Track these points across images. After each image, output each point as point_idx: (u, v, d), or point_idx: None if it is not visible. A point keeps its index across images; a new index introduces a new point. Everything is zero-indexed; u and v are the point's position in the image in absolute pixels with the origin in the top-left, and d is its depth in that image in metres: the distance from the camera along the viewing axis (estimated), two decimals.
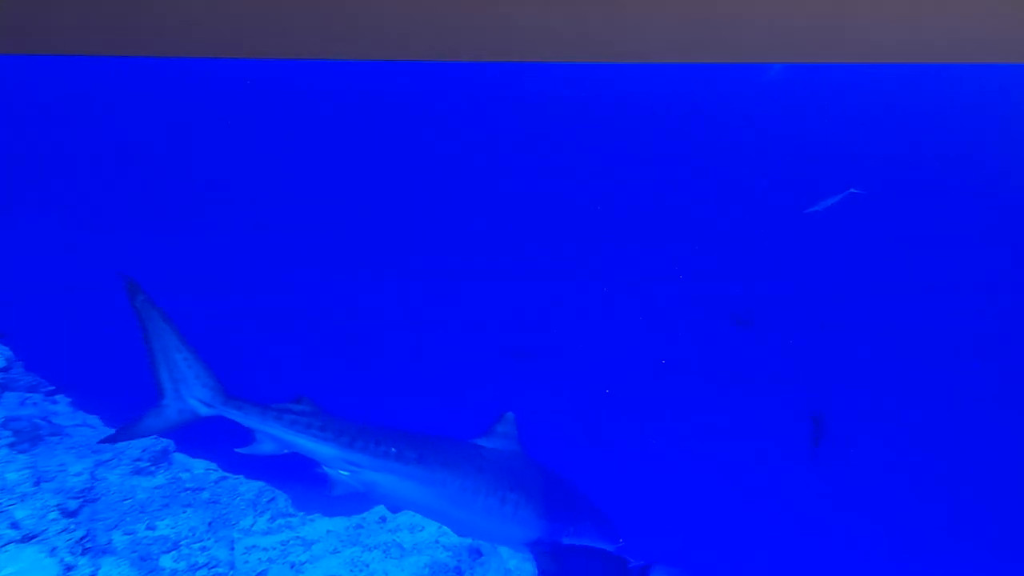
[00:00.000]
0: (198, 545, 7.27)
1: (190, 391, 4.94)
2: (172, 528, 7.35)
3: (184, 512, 7.74)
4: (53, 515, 5.69)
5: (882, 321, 19.11)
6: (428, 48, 2.68)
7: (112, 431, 9.41)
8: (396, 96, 21.77)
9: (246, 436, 5.45)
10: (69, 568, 5.45)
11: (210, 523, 7.69)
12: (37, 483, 6.19)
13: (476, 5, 2.37)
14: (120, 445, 8.42)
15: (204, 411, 4.97)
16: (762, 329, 18.24)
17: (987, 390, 18.16)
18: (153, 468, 8.34)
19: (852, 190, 10.22)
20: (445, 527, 9.64)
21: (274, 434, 4.98)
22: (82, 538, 5.62)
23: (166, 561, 6.96)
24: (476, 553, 8.68)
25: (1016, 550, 15.53)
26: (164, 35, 2.65)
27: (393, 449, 5.01)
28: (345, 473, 5.01)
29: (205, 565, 7.12)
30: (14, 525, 5.72)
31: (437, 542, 9.08)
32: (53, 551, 5.31)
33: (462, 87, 21.79)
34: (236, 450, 5.14)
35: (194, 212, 21.14)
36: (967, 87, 20.13)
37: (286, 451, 5.09)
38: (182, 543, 7.22)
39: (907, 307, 19.14)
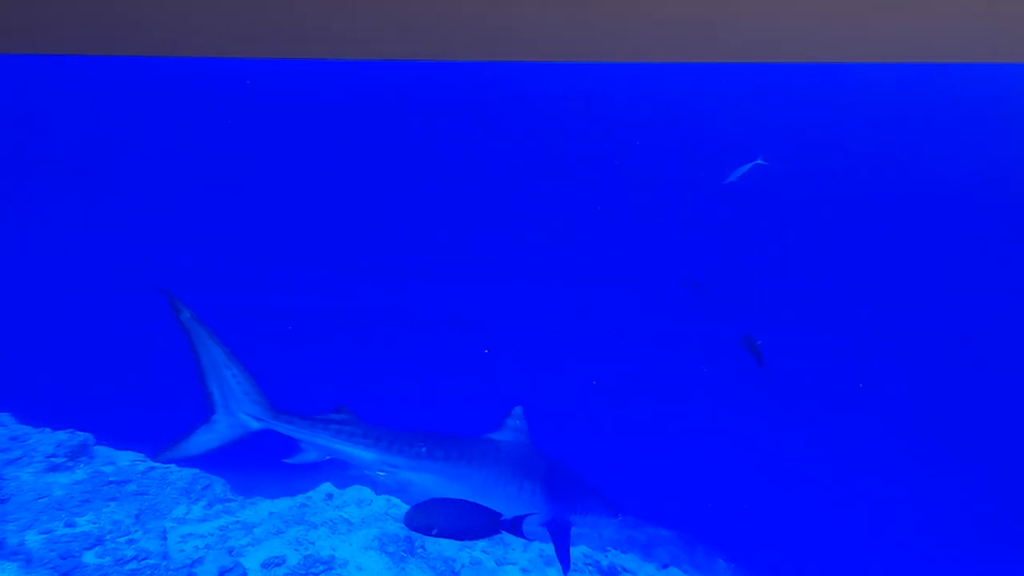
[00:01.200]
0: (124, 539, 6.76)
1: (240, 406, 5.08)
2: (94, 523, 6.82)
3: (108, 506, 7.20)
4: None
5: (882, 322, 19.43)
6: (428, 48, 2.70)
7: (25, 428, 8.73)
8: (396, 96, 21.30)
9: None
10: None
11: (137, 515, 7.18)
12: None
13: (476, 5, 2.37)
14: (32, 441, 7.79)
15: (255, 425, 5.12)
16: (714, 294, 18.51)
17: (985, 391, 18.67)
18: (71, 463, 7.74)
19: (759, 160, 10.79)
20: (395, 499, 9.42)
21: (321, 444, 5.26)
22: None
23: (89, 558, 6.43)
24: None
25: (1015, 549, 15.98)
26: (164, 35, 2.66)
27: (424, 449, 5.44)
28: (382, 474, 5.38)
29: (134, 558, 6.62)
30: None
31: (386, 514, 8.78)
32: None
33: (462, 87, 21.44)
34: (284, 460, 5.32)
35: (191, 212, 20.52)
36: (967, 87, 20.11)
37: (328, 458, 5.36)
38: (106, 538, 6.70)
39: (906, 308, 19.47)
